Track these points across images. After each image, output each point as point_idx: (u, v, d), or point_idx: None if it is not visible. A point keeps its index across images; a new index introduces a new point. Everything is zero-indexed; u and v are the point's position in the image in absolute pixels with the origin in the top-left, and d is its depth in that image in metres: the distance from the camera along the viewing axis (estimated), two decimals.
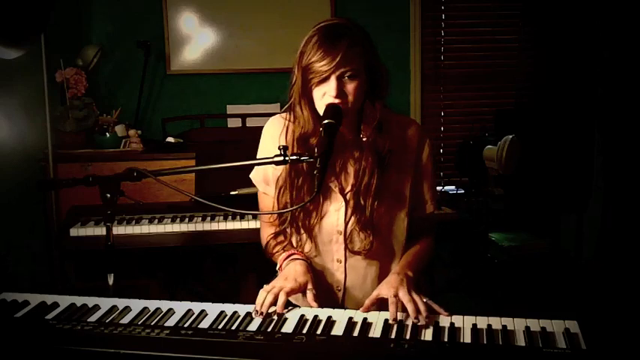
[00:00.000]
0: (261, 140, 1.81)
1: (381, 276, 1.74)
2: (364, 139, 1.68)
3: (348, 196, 1.70)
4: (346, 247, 1.72)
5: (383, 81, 1.67)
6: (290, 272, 1.63)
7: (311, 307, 1.55)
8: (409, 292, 1.53)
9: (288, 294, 1.55)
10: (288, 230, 1.76)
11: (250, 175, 1.84)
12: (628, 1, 3.84)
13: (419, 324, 1.44)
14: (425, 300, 1.51)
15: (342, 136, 1.70)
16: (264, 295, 1.53)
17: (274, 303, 1.52)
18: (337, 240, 1.72)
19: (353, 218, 1.69)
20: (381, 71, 1.66)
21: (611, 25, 3.97)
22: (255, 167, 1.82)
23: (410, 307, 1.48)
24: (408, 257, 1.74)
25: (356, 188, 1.68)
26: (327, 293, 1.77)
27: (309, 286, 1.60)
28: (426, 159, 1.76)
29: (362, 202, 1.67)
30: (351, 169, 1.70)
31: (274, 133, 1.77)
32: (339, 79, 1.58)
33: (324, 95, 1.59)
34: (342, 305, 1.77)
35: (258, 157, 1.78)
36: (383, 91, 1.68)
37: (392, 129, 1.72)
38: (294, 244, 1.76)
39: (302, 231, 1.72)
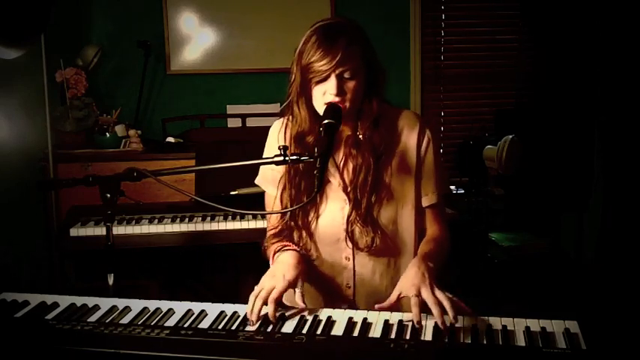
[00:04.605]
0: (266, 142, 1.83)
1: (392, 271, 1.75)
2: (360, 136, 1.69)
3: (350, 193, 1.70)
4: (353, 245, 1.72)
5: (380, 78, 1.68)
6: (279, 267, 1.60)
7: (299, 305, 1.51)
8: (432, 291, 1.45)
9: (277, 299, 1.50)
10: (294, 232, 1.75)
11: (255, 181, 1.85)
12: (628, 1, 3.84)
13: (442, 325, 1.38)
14: (450, 297, 1.44)
15: (341, 132, 1.71)
16: (253, 300, 1.49)
17: (265, 305, 1.48)
18: (344, 238, 1.72)
19: (354, 214, 1.68)
20: (378, 68, 1.67)
21: (611, 25, 3.97)
22: (260, 171, 1.84)
23: (435, 311, 1.40)
24: (426, 246, 1.69)
25: (354, 184, 1.68)
26: (338, 290, 1.77)
27: (299, 284, 1.57)
28: (425, 150, 1.73)
29: (359, 198, 1.67)
30: (350, 166, 1.71)
31: (275, 134, 1.79)
32: (339, 78, 1.58)
33: (325, 94, 1.60)
34: (353, 301, 1.77)
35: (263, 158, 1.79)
36: (380, 88, 1.69)
37: (390, 124, 1.72)
38: (298, 244, 1.75)
39: (302, 229, 1.73)
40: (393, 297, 1.50)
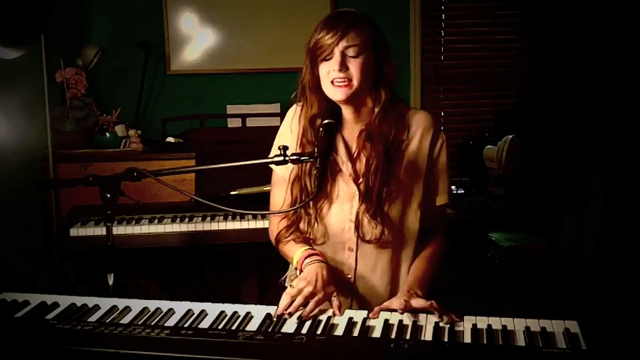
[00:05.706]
0: (280, 128, 1.86)
1: (392, 265, 1.76)
2: (372, 125, 1.72)
3: (360, 185, 1.71)
4: (358, 236, 1.73)
5: (389, 67, 1.72)
6: (317, 278, 1.61)
7: (335, 314, 1.53)
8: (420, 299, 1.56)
9: (319, 304, 1.53)
10: (302, 221, 1.77)
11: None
12: (628, 1, 3.84)
13: (439, 320, 1.45)
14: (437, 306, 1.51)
15: (355, 126, 1.75)
16: (289, 299, 1.52)
17: (303, 306, 1.52)
18: (350, 228, 1.74)
19: (363, 206, 1.70)
20: (387, 57, 1.72)
21: (611, 25, 3.97)
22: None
23: (425, 305, 1.51)
24: (417, 271, 1.73)
25: (366, 176, 1.70)
26: (338, 279, 1.77)
27: (335, 294, 1.61)
28: (438, 152, 1.78)
29: (370, 189, 1.69)
30: (363, 158, 1.73)
31: (289, 119, 1.83)
32: (343, 55, 1.63)
33: (330, 72, 1.65)
34: (352, 291, 1.78)
35: (276, 141, 1.84)
36: (389, 78, 1.73)
37: (401, 118, 1.76)
38: (305, 231, 1.77)
39: (313, 221, 1.75)
40: (383, 307, 1.54)
